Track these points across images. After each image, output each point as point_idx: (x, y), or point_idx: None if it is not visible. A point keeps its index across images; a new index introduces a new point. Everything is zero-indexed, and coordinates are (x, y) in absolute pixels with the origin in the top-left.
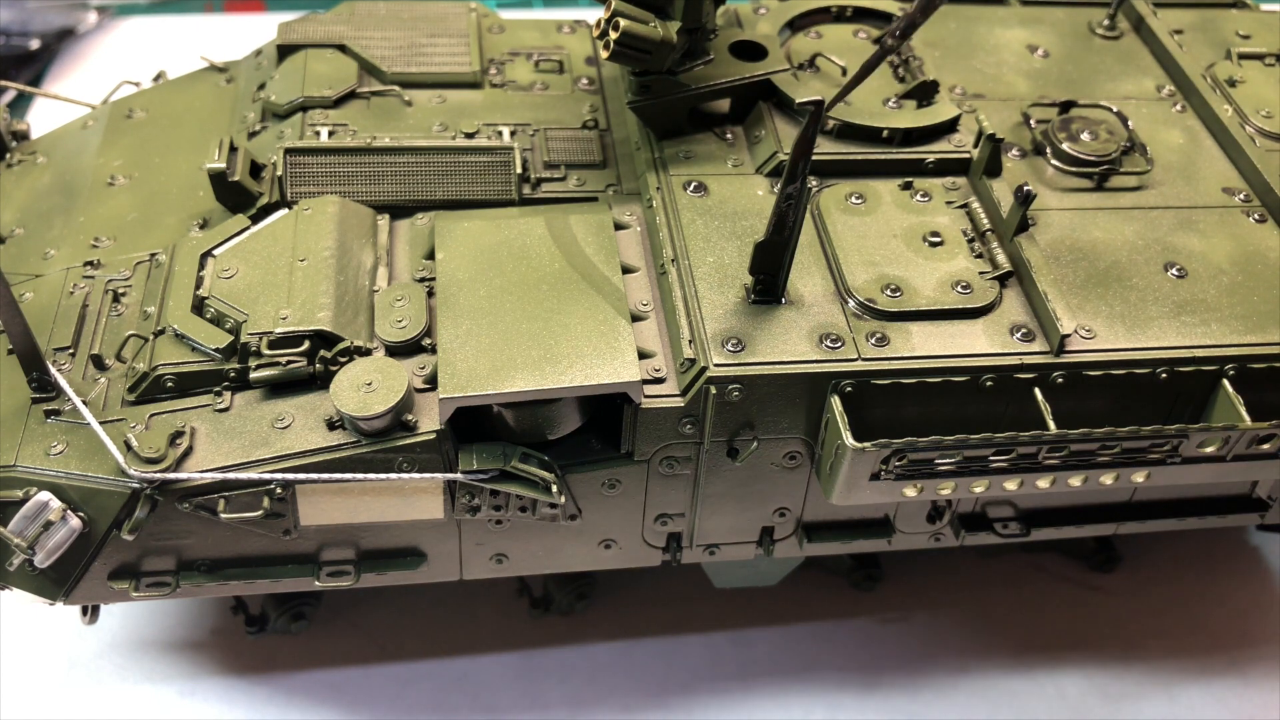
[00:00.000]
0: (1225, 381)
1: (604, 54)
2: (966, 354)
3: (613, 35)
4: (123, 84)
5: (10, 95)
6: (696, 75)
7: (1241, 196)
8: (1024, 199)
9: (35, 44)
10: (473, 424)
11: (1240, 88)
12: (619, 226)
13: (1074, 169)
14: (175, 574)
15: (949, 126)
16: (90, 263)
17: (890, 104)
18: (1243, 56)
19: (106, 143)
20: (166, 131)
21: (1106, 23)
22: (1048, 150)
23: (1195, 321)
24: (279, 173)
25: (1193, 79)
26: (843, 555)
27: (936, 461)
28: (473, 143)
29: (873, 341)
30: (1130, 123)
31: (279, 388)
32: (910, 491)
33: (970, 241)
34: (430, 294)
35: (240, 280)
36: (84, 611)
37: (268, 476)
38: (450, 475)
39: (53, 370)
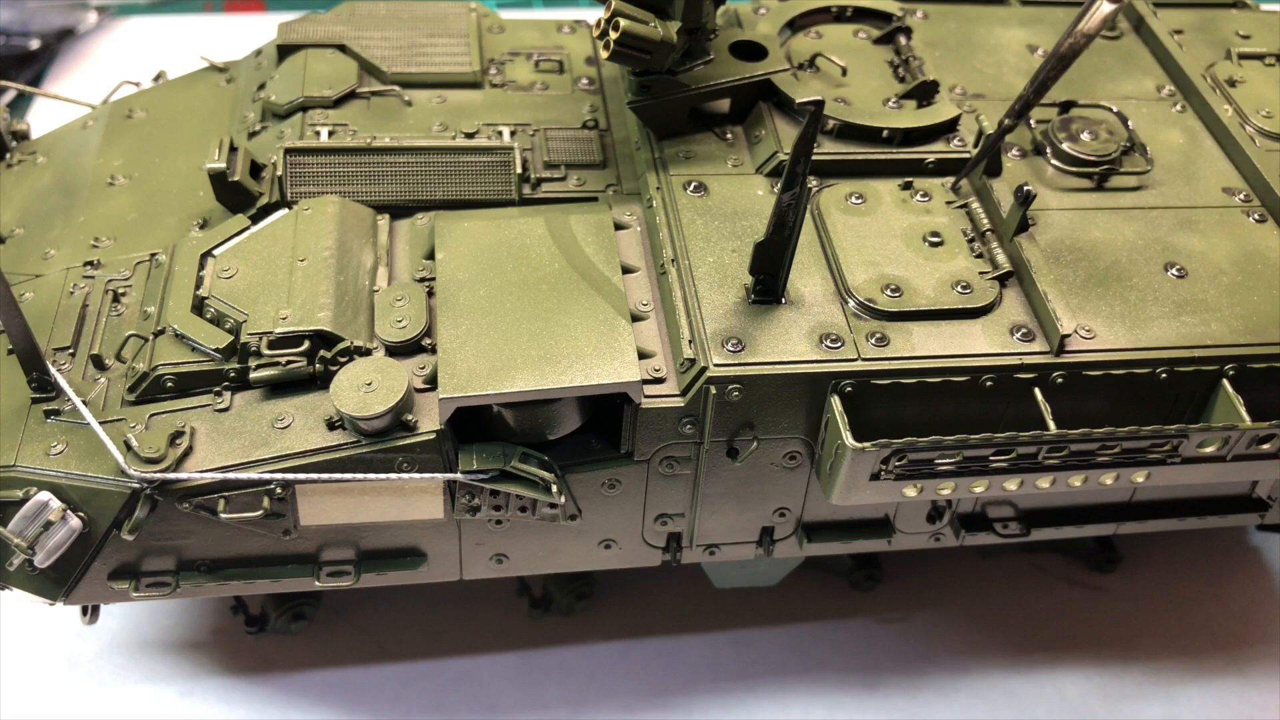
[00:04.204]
0: (1225, 381)
1: (604, 54)
2: (966, 354)
3: (613, 35)
4: (123, 84)
5: (10, 95)
6: (696, 75)
7: (1241, 196)
8: (1024, 199)
9: (35, 44)
10: (473, 424)
11: (1240, 88)
12: (619, 226)
13: (1074, 169)
14: (175, 574)
15: (949, 126)
16: (90, 263)
17: (890, 104)
18: (1243, 56)
19: (106, 143)
20: (166, 131)
21: None
22: (1048, 150)
23: (1195, 321)
24: (279, 173)
25: (1193, 79)
26: (843, 555)
27: (936, 461)
28: (473, 143)
29: (873, 341)
30: (1130, 123)
31: (279, 388)
32: (910, 491)
33: (970, 241)
34: (430, 294)
35: (240, 280)
36: (84, 611)
37: (268, 476)
38: (450, 475)
39: (53, 370)
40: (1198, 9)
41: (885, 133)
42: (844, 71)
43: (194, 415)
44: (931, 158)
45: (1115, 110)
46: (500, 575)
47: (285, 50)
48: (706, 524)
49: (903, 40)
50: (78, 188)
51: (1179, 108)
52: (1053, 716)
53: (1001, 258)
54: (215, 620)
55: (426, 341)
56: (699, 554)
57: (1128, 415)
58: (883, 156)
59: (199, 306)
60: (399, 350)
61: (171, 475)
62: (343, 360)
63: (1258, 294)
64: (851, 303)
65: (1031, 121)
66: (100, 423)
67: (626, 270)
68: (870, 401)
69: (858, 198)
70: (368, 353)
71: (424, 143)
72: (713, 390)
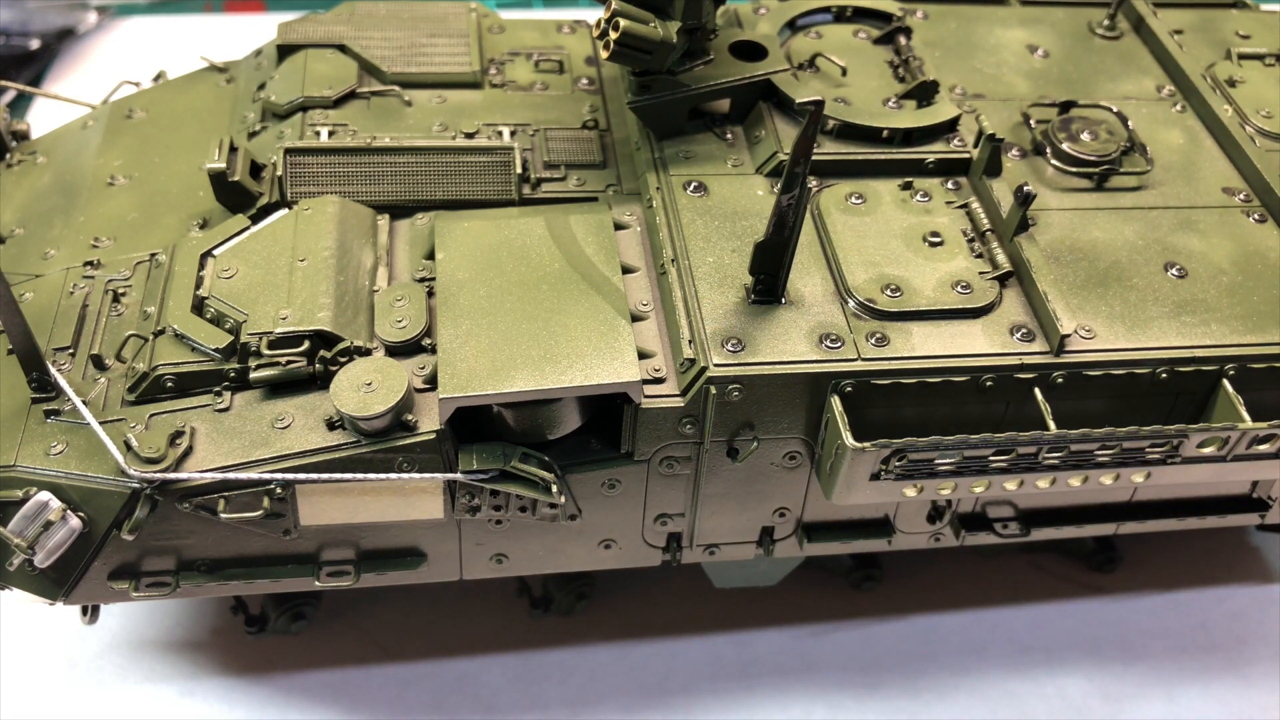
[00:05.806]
0: (1225, 381)
1: (604, 54)
2: (966, 354)
3: (613, 35)
4: (123, 84)
5: (10, 95)
6: (696, 75)
7: (1241, 196)
8: (1024, 199)
9: (35, 44)
10: (473, 424)
11: (1240, 88)
12: (619, 226)
13: (1074, 169)
14: (175, 574)
15: (949, 126)
16: (90, 263)
17: (890, 104)
18: (1243, 56)
19: (106, 143)
20: (166, 131)
21: (1106, 23)
22: (1048, 150)
23: (1195, 321)
24: (279, 173)
25: (1193, 79)
26: (843, 555)
27: (936, 461)
28: (473, 143)
29: (873, 341)
30: (1130, 123)
31: (279, 388)
32: (910, 491)
33: (970, 241)
34: (430, 294)
35: (240, 280)
36: (84, 611)
37: (268, 476)
38: (450, 475)
39: (53, 370)
40: (1198, 9)
41: (885, 133)
42: (844, 71)
43: (194, 415)
44: (931, 158)
45: (1115, 110)
46: (500, 575)
47: (285, 50)
48: (706, 524)
49: (903, 40)
50: (78, 188)
51: (1179, 108)
52: (1053, 716)
53: (1001, 258)
54: (215, 620)
55: (426, 341)
56: (699, 554)
57: (1128, 415)
58: (883, 156)
59: (199, 306)
60: (399, 350)
61: (171, 475)
62: (343, 360)
63: (1258, 294)
64: (851, 303)
65: (1031, 121)
66: (100, 423)
67: (626, 270)
68: (870, 401)
69: (858, 198)
70: (368, 353)
71: (424, 143)
72: (713, 390)
